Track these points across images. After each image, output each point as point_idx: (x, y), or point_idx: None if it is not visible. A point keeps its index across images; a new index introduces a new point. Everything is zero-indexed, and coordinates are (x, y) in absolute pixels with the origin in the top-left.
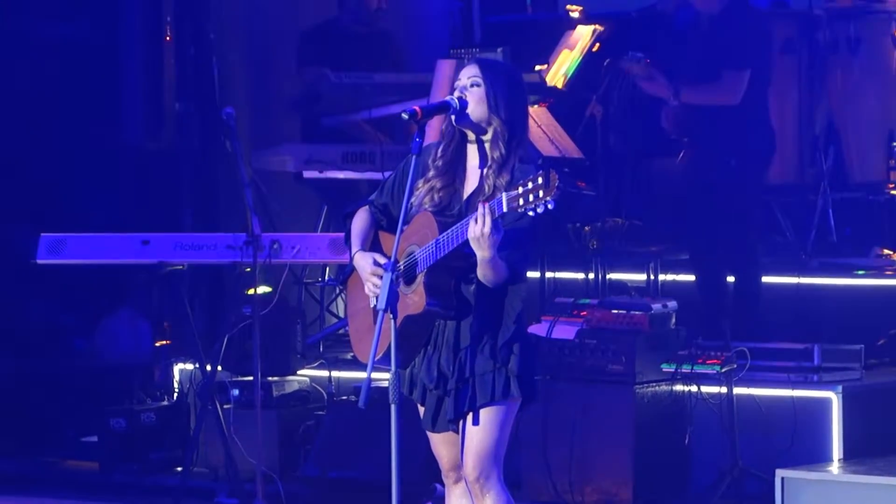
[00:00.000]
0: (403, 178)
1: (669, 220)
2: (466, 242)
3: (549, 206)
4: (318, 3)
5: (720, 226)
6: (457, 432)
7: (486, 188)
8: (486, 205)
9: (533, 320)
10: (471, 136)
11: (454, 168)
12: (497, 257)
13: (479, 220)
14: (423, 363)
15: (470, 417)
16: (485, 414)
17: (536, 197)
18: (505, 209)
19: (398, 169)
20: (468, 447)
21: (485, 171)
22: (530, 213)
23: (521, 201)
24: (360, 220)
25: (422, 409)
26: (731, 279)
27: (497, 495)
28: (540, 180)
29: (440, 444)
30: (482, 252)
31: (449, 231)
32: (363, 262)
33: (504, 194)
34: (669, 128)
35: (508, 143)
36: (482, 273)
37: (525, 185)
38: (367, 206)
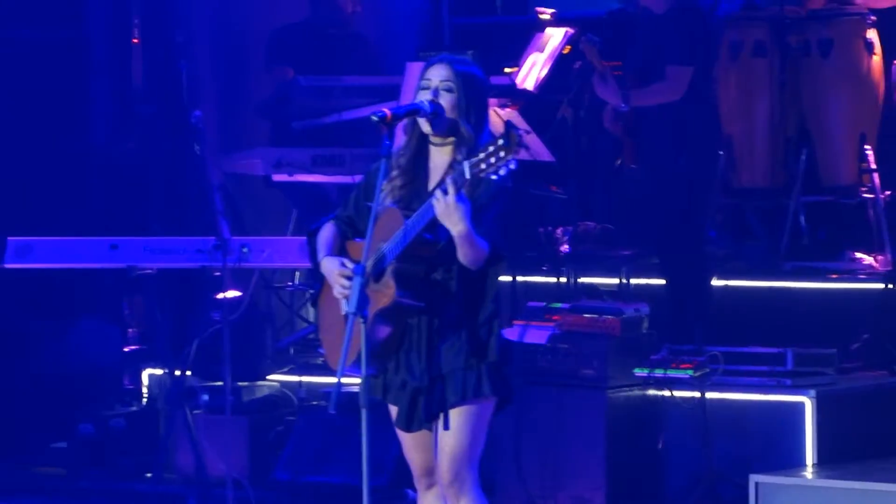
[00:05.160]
0: (367, 188)
1: (639, 222)
2: (429, 227)
3: (512, 167)
4: (289, 5)
5: (677, 226)
6: (430, 431)
7: None
8: (450, 177)
9: (505, 324)
10: (434, 138)
11: (416, 167)
12: (473, 231)
13: (448, 191)
14: (403, 361)
15: (442, 419)
16: (457, 415)
17: (498, 158)
18: (468, 176)
19: (361, 181)
20: (441, 450)
21: (448, 170)
22: (493, 177)
23: (484, 165)
24: (325, 233)
25: (394, 410)
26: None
27: (472, 501)
28: (500, 142)
29: (412, 448)
30: (456, 226)
31: (413, 216)
32: (330, 265)
33: (466, 161)
34: (612, 129)
35: (474, 147)
36: (463, 252)
37: (486, 149)
38: (332, 221)
